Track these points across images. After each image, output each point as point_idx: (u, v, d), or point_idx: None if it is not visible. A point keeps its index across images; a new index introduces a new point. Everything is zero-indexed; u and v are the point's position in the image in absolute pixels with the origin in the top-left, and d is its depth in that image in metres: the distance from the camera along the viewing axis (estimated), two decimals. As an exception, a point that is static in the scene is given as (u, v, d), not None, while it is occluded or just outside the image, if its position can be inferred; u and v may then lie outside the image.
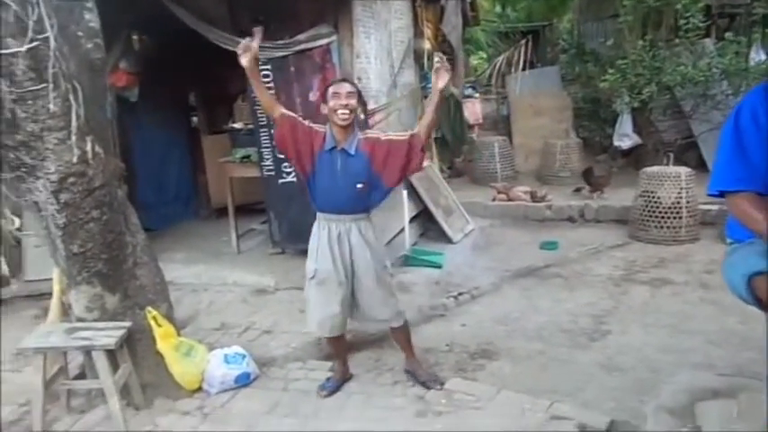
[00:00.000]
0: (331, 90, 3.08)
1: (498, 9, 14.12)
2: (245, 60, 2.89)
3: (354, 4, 4.62)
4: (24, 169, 2.79)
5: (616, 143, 8.89)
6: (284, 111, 3.14)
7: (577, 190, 7.58)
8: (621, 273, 5.23)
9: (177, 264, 5.47)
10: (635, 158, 8.76)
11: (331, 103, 3.03)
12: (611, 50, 8.95)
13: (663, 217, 5.88)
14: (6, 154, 2.75)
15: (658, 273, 5.16)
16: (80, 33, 3.24)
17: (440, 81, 2.99)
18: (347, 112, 3.01)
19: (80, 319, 3.24)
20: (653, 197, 5.94)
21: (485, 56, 11.03)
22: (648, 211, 5.98)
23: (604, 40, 9.34)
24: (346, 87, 3.08)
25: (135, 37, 5.22)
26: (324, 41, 4.62)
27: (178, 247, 6.01)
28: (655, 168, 6.12)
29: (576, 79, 9.99)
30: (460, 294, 4.77)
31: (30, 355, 3.03)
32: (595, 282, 5.04)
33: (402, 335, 3.46)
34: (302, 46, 4.63)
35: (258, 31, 3.20)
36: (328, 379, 3.46)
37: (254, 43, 2.95)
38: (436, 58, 3.05)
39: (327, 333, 3.35)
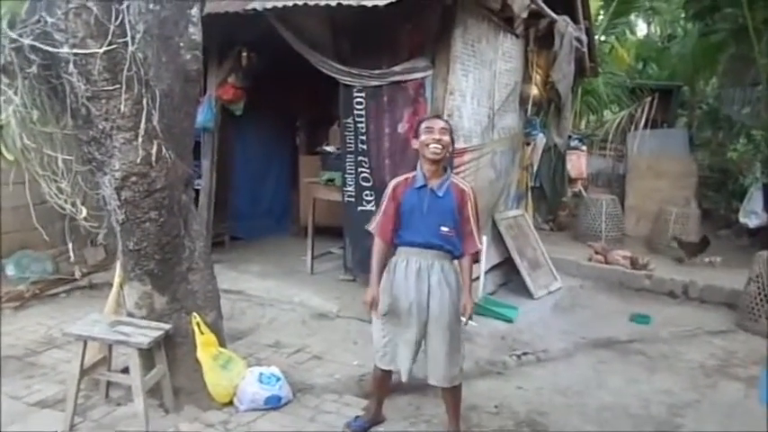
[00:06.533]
0: (424, 125, 3.03)
1: (640, 65, 13.50)
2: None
3: (455, 40, 4.52)
4: (94, 164, 2.94)
5: (742, 220, 8.07)
6: (380, 234, 3.09)
7: (680, 260, 7.00)
8: (715, 363, 4.64)
9: (252, 275, 5.61)
10: (762, 239, 7.89)
11: (423, 137, 2.98)
12: (747, 119, 8.21)
13: (778, 308, 5.20)
14: (80, 148, 2.92)
15: (760, 371, 4.52)
16: (182, 44, 3.40)
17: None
18: (439, 147, 2.94)
19: (130, 314, 3.36)
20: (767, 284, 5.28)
21: (605, 110, 10.53)
22: (761, 298, 5.31)
23: (741, 106, 8.60)
24: (440, 123, 3.03)
25: (245, 54, 5.45)
26: (419, 75, 4.57)
27: (258, 259, 6.16)
28: (774, 252, 5.44)
29: (706, 145, 9.25)
30: (525, 354, 4.46)
31: (72, 341, 3.16)
32: (682, 368, 4.51)
33: (452, 396, 3.20)
34: (397, 77, 4.61)
35: None
36: (357, 417, 3.32)
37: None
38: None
39: (388, 366, 3.16)
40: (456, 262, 3.12)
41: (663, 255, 7.50)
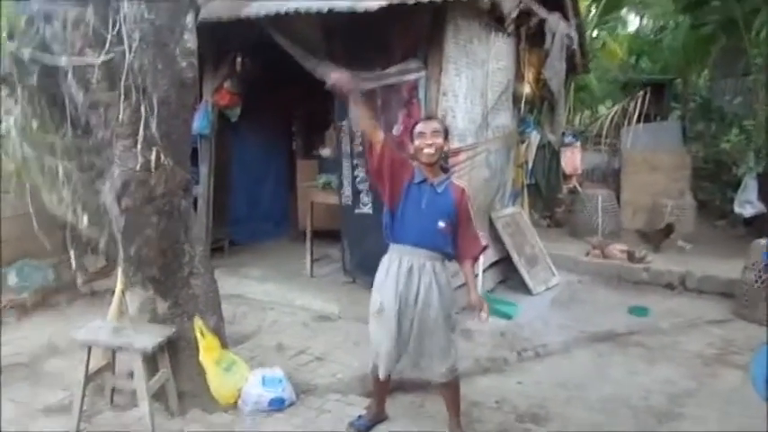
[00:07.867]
0: (417, 130, 3.07)
1: (632, 60, 13.56)
2: (345, 92, 3.01)
3: (447, 41, 4.57)
4: (94, 171, 2.98)
5: (737, 210, 8.11)
6: (386, 138, 3.12)
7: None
8: (714, 352, 4.69)
9: (252, 280, 5.64)
10: (758, 228, 7.94)
11: (417, 143, 3.04)
12: (739, 109, 8.26)
13: (775, 296, 5.24)
14: (80, 156, 2.96)
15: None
16: (177, 52, 3.43)
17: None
18: (432, 150, 3.00)
19: (133, 320, 3.39)
20: (764, 272, 5.33)
21: (599, 105, 10.58)
22: (758, 287, 5.36)
23: (732, 97, 8.66)
24: (431, 126, 3.06)
25: (240, 60, 5.49)
26: (412, 76, 4.61)
27: (258, 263, 6.19)
28: (769, 240, 5.48)
29: (699, 137, 9.31)
30: (525, 350, 4.50)
31: (76, 348, 3.19)
32: (681, 358, 4.56)
33: (449, 392, 3.25)
34: (391, 80, 4.63)
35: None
36: (360, 417, 3.36)
37: (340, 74, 3.00)
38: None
39: (374, 360, 3.21)
40: (447, 263, 3.15)
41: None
